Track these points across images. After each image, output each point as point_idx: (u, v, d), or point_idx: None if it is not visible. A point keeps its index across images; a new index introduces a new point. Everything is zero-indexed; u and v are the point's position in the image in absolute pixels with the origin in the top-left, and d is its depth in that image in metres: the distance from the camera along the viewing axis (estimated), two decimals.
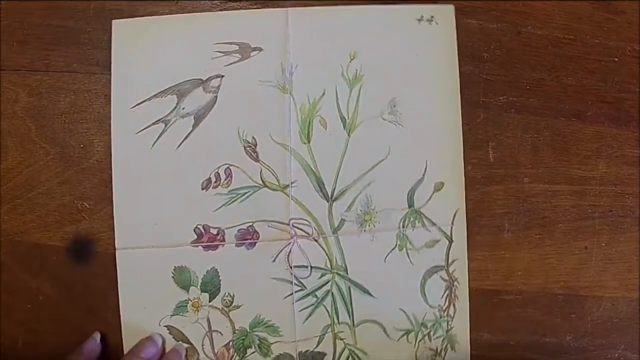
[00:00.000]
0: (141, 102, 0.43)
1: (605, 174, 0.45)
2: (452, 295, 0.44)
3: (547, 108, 0.45)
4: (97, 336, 0.43)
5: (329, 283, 0.44)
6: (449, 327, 0.44)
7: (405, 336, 0.44)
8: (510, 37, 0.45)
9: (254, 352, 0.43)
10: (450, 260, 0.44)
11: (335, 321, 0.44)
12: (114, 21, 0.43)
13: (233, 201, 0.43)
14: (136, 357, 0.41)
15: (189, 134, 0.43)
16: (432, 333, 0.44)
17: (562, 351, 0.45)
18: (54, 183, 0.44)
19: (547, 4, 0.46)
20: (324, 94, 0.44)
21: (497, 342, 0.45)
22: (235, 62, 0.43)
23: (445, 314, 0.44)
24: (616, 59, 0.46)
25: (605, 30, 0.46)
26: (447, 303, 0.44)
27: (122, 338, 0.43)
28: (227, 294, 0.43)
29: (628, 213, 0.45)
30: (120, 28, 0.43)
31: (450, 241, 0.44)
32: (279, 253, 0.43)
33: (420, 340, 0.44)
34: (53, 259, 0.44)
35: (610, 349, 0.45)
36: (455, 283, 0.44)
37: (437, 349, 0.44)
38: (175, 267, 0.43)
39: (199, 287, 0.43)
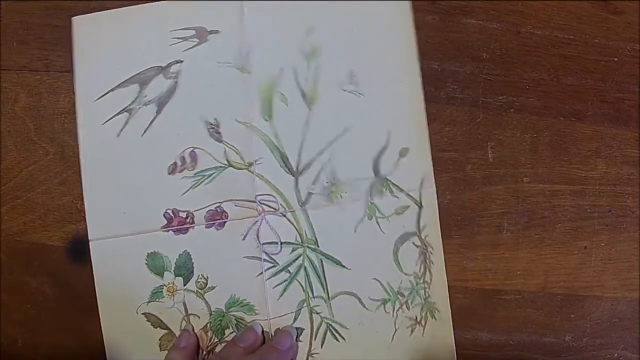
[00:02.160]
0: (105, 94, 0.43)
1: (604, 173, 0.45)
2: (427, 261, 0.44)
3: (547, 108, 0.45)
4: (258, 327, 0.43)
5: (301, 257, 0.44)
6: (427, 295, 0.44)
7: (383, 306, 0.44)
8: (510, 37, 0.45)
9: (232, 332, 0.43)
10: (421, 226, 0.44)
11: (310, 295, 0.44)
12: (73, 18, 0.44)
13: (200, 183, 0.43)
14: (235, 347, 0.41)
15: (153, 120, 0.44)
16: (409, 301, 0.44)
17: (562, 351, 0.45)
18: (53, 183, 0.44)
19: (547, 4, 0.46)
20: (282, 69, 0.44)
21: (496, 341, 0.45)
22: (193, 47, 0.44)
23: (422, 280, 0.44)
24: (616, 59, 0.46)
25: (604, 30, 0.46)
26: (422, 269, 0.44)
27: (101, 329, 0.42)
28: (200, 276, 0.43)
29: (627, 213, 0.45)
30: (80, 24, 0.44)
31: (420, 206, 0.44)
32: (248, 231, 0.43)
33: (398, 310, 0.44)
34: (53, 258, 0.44)
35: (609, 349, 0.45)
36: (429, 249, 0.44)
37: (416, 317, 0.44)
38: (148, 253, 0.43)
39: (172, 271, 0.43)
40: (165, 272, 0.43)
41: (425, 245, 0.44)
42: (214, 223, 0.43)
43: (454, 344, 0.44)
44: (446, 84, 0.45)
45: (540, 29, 0.45)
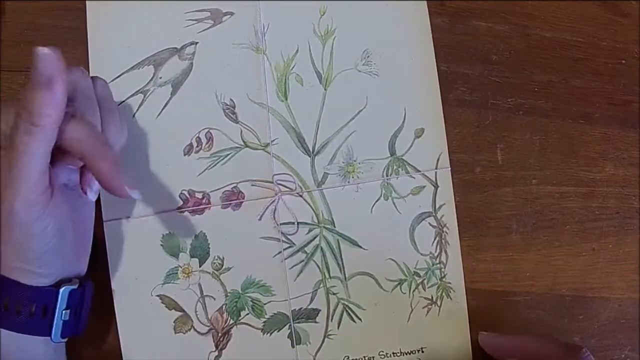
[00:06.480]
0: (119, 75, 0.43)
1: (612, 175, 0.46)
2: (443, 241, 0.44)
3: (555, 110, 0.45)
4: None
5: (317, 238, 0.44)
6: (443, 275, 0.44)
7: (399, 286, 0.44)
8: (519, 39, 0.45)
9: (247, 314, 0.43)
10: (437, 206, 0.44)
11: (327, 276, 0.44)
12: (87, 2, 0.43)
13: (216, 164, 0.43)
14: None
15: (168, 102, 0.43)
16: (425, 282, 0.44)
17: None
18: None
19: (555, 6, 0.46)
20: (297, 50, 0.44)
21: None
22: (208, 28, 0.44)
23: (437, 261, 0.44)
24: (623, 61, 0.46)
25: (612, 33, 0.46)
26: (438, 250, 0.44)
27: (114, 313, 0.42)
28: (216, 258, 0.43)
29: (635, 215, 0.46)
30: (94, 7, 0.44)
31: (436, 186, 0.44)
32: (264, 211, 0.43)
33: (414, 290, 0.44)
34: None
35: (616, 350, 0.45)
36: (445, 229, 0.44)
37: (432, 297, 0.44)
38: (163, 234, 0.43)
39: (188, 252, 0.43)
40: (181, 254, 0.43)
41: (441, 226, 0.44)
42: (231, 203, 0.43)
43: (468, 324, 0.44)
44: (455, 86, 0.45)
45: (548, 31, 0.46)
